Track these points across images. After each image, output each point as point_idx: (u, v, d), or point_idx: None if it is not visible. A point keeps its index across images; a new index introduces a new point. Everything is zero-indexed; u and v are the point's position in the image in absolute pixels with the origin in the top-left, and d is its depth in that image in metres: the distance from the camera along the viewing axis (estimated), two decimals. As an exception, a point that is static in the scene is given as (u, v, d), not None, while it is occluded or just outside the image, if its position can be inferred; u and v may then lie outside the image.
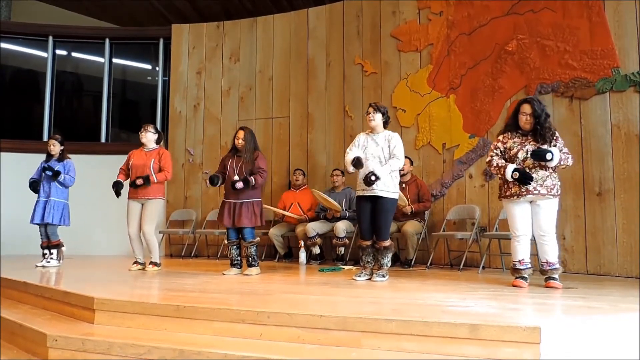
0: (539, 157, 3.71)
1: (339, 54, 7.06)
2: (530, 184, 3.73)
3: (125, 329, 2.90)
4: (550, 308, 3.00)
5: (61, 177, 5.52)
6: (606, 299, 3.24)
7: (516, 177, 3.74)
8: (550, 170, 3.81)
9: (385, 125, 4.38)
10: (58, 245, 5.61)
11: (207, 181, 4.82)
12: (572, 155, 3.91)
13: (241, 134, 4.80)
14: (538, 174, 3.78)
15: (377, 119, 4.31)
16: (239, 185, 4.60)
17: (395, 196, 4.28)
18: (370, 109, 4.34)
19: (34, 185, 5.61)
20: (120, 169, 5.31)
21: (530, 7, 5.43)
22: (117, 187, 5.12)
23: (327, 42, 7.21)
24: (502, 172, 3.85)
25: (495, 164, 3.92)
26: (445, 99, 6.10)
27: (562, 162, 3.77)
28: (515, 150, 3.87)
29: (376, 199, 4.18)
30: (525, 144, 3.86)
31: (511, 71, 5.57)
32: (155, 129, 5.37)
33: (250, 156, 4.73)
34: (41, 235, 5.60)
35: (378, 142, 4.28)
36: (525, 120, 3.85)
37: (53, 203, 5.51)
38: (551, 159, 3.70)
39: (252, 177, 4.64)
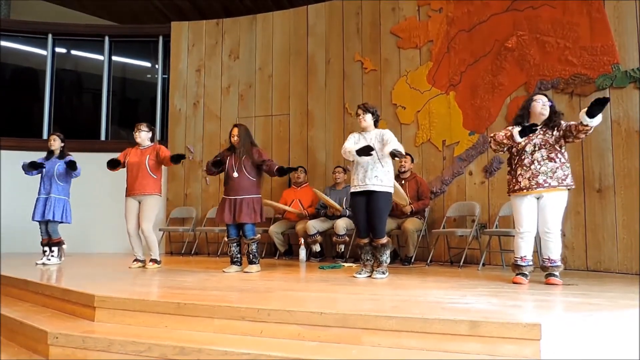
0: (601, 103, 3.39)
1: (339, 51, 7.05)
2: (535, 131, 3.71)
3: (125, 327, 2.90)
4: (550, 305, 3.00)
5: (78, 167, 5.50)
6: (606, 295, 3.24)
7: (520, 130, 3.73)
8: (563, 160, 3.80)
9: (376, 124, 4.42)
10: (59, 243, 5.62)
11: (210, 167, 4.78)
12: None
13: (235, 130, 4.82)
14: (547, 167, 3.78)
15: (368, 119, 4.36)
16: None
17: (390, 190, 4.27)
18: (360, 111, 4.38)
19: (33, 166, 5.50)
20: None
21: (530, 3, 5.42)
22: (111, 163, 5.12)
23: (326, 39, 7.20)
24: (511, 139, 3.80)
25: (502, 135, 3.86)
26: (445, 96, 6.09)
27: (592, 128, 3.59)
28: (523, 143, 3.89)
29: (370, 194, 4.19)
30: (533, 137, 3.87)
31: (511, 68, 5.56)
32: (148, 126, 5.34)
33: (245, 151, 4.74)
34: (41, 232, 5.60)
35: (369, 139, 4.31)
36: (542, 106, 3.85)
37: (53, 200, 5.50)
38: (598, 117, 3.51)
39: (271, 164, 4.74)
